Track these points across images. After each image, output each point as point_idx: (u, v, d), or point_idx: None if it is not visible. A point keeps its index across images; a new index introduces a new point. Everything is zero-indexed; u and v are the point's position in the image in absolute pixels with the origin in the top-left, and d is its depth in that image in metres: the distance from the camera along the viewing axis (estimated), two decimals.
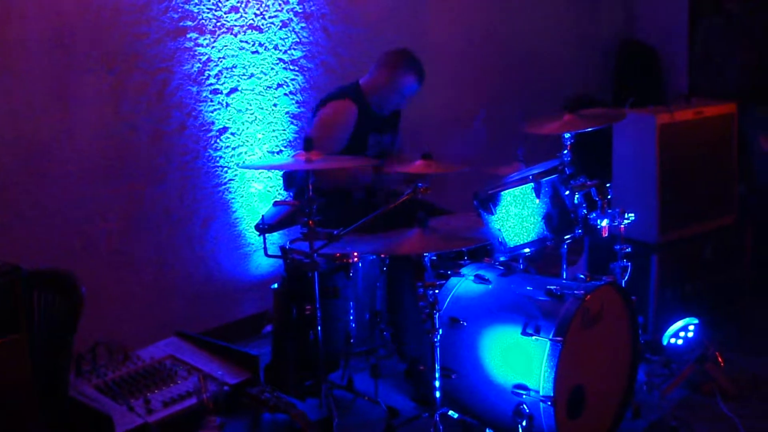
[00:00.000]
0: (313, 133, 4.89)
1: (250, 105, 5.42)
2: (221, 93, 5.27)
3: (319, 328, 4.12)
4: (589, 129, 4.48)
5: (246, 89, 5.38)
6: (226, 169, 5.34)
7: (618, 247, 4.45)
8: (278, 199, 5.26)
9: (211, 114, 5.23)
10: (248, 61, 5.37)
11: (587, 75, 7.76)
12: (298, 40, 5.60)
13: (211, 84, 5.21)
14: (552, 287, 3.92)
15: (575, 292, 3.85)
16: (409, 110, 5.36)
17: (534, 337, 3.77)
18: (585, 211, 4.36)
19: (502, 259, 4.28)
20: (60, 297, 3.40)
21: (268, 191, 5.53)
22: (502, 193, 4.22)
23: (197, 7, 5.09)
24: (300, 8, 5.58)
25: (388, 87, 5.02)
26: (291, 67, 5.59)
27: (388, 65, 5.04)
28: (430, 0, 6.43)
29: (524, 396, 3.76)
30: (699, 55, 7.05)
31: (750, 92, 6.52)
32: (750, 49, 6.74)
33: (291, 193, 5.05)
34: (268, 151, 5.53)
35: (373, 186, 4.97)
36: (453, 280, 4.19)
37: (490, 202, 4.21)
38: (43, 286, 3.37)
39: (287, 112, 5.60)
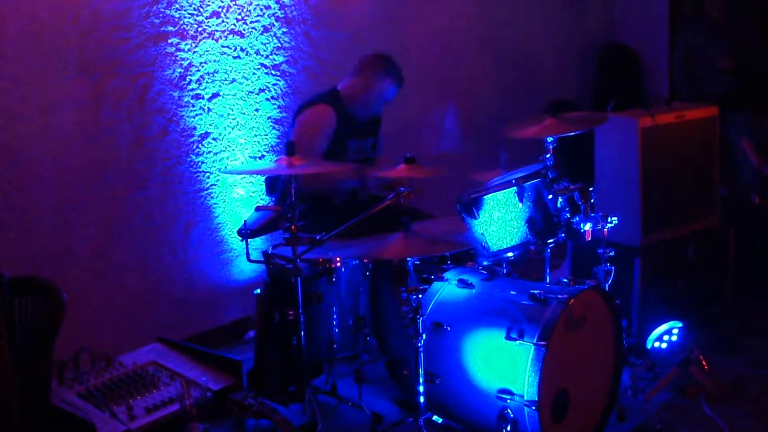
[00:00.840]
0: (294, 137, 4.88)
1: (232, 110, 5.40)
2: (203, 98, 5.25)
3: (302, 333, 4.10)
4: (571, 133, 4.48)
5: (228, 94, 5.36)
6: (208, 174, 5.32)
7: (601, 250, 4.45)
8: (260, 205, 5.23)
9: (192, 119, 5.21)
10: (230, 66, 5.35)
11: (568, 78, 7.78)
12: (279, 45, 5.59)
13: (192, 89, 5.19)
14: (536, 291, 3.92)
15: (559, 296, 3.85)
16: (389, 114, 5.35)
17: (518, 342, 3.77)
18: (568, 215, 4.36)
19: (485, 263, 4.27)
20: (41, 304, 3.38)
21: (251, 196, 5.52)
22: (485, 197, 4.22)
23: (178, 12, 5.07)
24: (281, 13, 5.57)
25: (367, 92, 5.00)
26: (273, 72, 5.58)
27: (366, 70, 5.02)
28: (411, 5, 6.43)
29: (508, 401, 3.75)
30: (680, 60, 7.06)
31: (730, 97, 6.55)
32: (730, 52, 6.76)
33: (273, 198, 5.03)
34: (250, 156, 5.51)
35: (358, 191, 4.95)
36: (436, 284, 4.18)
37: (473, 206, 4.21)
38: (23, 292, 3.35)
39: (269, 117, 5.59)
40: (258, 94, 5.52)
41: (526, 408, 3.70)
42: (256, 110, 5.52)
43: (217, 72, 5.29)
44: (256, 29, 5.45)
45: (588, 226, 4.33)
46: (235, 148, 5.44)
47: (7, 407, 3.19)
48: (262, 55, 5.51)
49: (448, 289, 4.16)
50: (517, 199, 4.25)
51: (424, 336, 3.82)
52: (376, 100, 5.02)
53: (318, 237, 4.00)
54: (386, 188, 4.86)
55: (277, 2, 5.55)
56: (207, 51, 5.23)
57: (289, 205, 4.00)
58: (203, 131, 5.27)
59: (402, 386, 4.60)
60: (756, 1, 7.20)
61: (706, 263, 5.39)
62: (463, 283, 4.12)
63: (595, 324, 4.02)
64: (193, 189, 5.27)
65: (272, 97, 5.59)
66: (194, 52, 5.17)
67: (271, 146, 5.60)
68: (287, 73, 5.66)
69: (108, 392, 3.67)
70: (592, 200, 4.36)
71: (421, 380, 3.87)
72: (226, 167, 5.38)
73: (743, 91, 6.74)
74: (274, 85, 5.60)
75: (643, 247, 5.06)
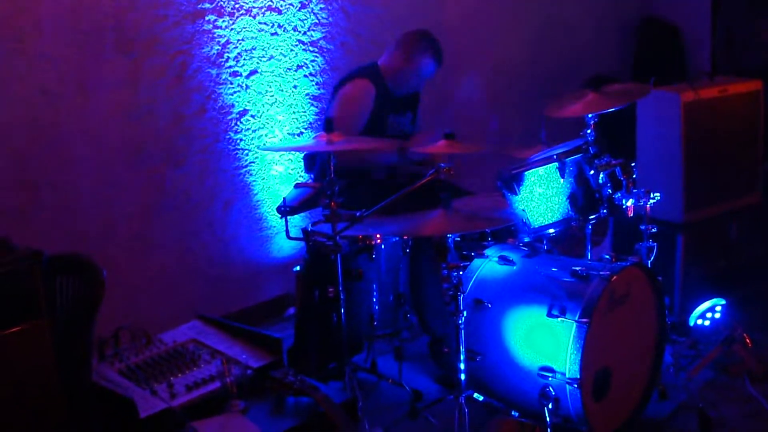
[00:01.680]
0: (333, 112, 4.86)
1: (270, 87, 5.38)
2: (241, 75, 5.23)
3: (342, 310, 4.09)
4: (613, 109, 4.42)
5: (266, 71, 5.34)
6: (246, 151, 5.31)
7: (643, 227, 4.40)
8: (299, 182, 5.23)
9: (230, 96, 5.20)
10: (267, 43, 5.33)
11: (607, 54, 7.69)
12: (317, 21, 5.56)
13: (230, 66, 5.18)
14: (577, 268, 3.88)
15: (601, 273, 3.81)
16: (428, 90, 5.32)
17: (560, 319, 3.73)
18: (610, 190, 4.31)
19: (526, 239, 4.24)
20: (81, 282, 3.38)
21: (290, 173, 5.51)
22: (525, 172, 4.18)
23: None
24: None
25: (406, 68, 4.98)
26: (310, 48, 5.55)
27: (406, 46, 4.99)
28: None
29: (550, 378, 3.72)
30: (721, 33, 6.96)
31: None
32: None
33: (312, 175, 5.02)
34: (288, 133, 5.50)
35: (397, 167, 4.92)
36: (477, 261, 4.15)
37: (514, 182, 4.17)
38: (64, 271, 3.35)
39: (307, 94, 5.57)
40: (296, 70, 5.50)
41: (567, 386, 3.68)
42: (294, 87, 5.50)
43: (254, 49, 5.27)
44: (293, 5, 5.42)
45: (630, 202, 4.27)
46: (274, 125, 5.42)
47: (48, 385, 3.21)
48: (300, 32, 5.49)
49: (488, 266, 4.13)
50: (558, 174, 4.21)
51: (465, 313, 3.80)
52: (415, 76, 4.99)
53: (358, 214, 3.98)
54: (424, 164, 4.83)
55: None
56: (244, 28, 5.21)
57: (328, 182, 3.98)
58: (241, 108, 5.26)
59: (443, 366, 4.58)
60: None
61: (750, 240, 5.33)
62: (504, 260, 4.09)
63: (637, 301, 3.98)
64: (231, 166, 5.27)
65: (310, 74, 5.56)
66: (231, 29, 5.15)
67: (310, 123, 5.58)
68: (325, 50, 5.63)
69: (148, 370, 3.67)
70: (634, 176, 4.30)
71: (462, 357, 3.84)
72: (264, 144, 5.38)
73: None
74: (312, 61, 5.57)
75: (686, 223, 5.01)
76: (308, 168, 5.05)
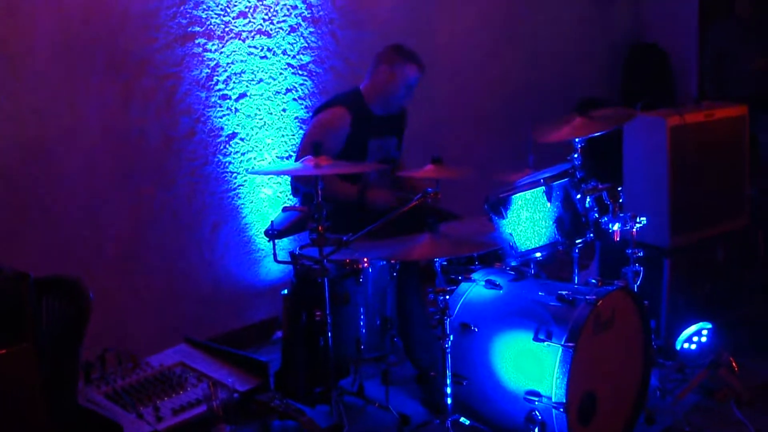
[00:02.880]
0: (303, 136, 4.89)
1: (259, 110, 5.40)
2: (230, 98, 5.25)
3: (329, 334, 4.09)
4: (600, 133, 4.44)
5: (255, 94, 5.36)
6: (235, 174, 5.32)
7: (630, 251, 4.42)
8: (287, 205, 5.24)
9: (220, 119, 5.22)
10: (257, 67, 5.36)
11: (596, 77, 7.74)
12: (306, 45, 5.59)
13: (219, 89, 5.20)
14: (563, 292, 3.90)
15: (587, 297, 3.82)
16: (415, 114, 5.33)
17: (546, 343, 3.74)
18: (596, 214, 4.33)
19: (513, 263, 4.25)
20: (68, 303, 3.38)
21: (278, 197, 5.52)
22: (513, 196, 4.20)
23: (206, 12, 5.08)
24: (308, 13, 5.57)
25: (393, 81, 4.94)
26: (300, 72, 5.58)
27: (388, 60, 4.97)
28: (438, 4, 6.41)
29: (536, 402, 3.73)
30: (709, 60, 7.01)
31: (761, 95, 6.49)
32: (761, 53, 6.71)
33: (300, 199, 5.03)
34: (277, 157, 5.51)
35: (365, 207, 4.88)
36: (464, 285, 4.16)
37: (501, 205, 4.19)
38: (50, 292, 3.36)
39: (296, 117, 5.59)
40: (285, 94, 5.52)
41: (553, 410, 3.68)
42: (283, 110, 5.52)
43: (244, 72, 5.30)
44: (283, 29, 5.45)
45: (616, 227, 4.30)
46: (263, 149, 5.44)
47: (33, 408, 3.20)
48: (289, 55, 5.51)
49: (475, 289, 4.14)
50: (545, 198, 4.23)
51: (451, 337, 3.80)
52: (403, 86, 4.94)
53: (345, 238, 3.99)
54: (400, 201, 4.78)
55: (304, 2, 5.54)
56: (234, 51, 5.23)
57: (315, 206, 3.99)
58: (230, 131, 5.27)
59: (429, 393, 4.58)
60: None
61: (736, 264, 5.34)
62: (490, 284, 4.10)
63: (623, 325, 3.99)
64: (220, 189, 5.28)
65: (299, 98, 5.58)
66: (221, 52, 5.18)
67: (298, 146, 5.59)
68: (314, 73, 5.66)
69: (135, 393, 3.67)
70: (620, 200, 4.33)
71: (448, 381, 3.85)
72: (253, 167, 5.39)
73: None
74: (301, 85, 5.59)
75: (672, 247, 5.02)
76: (296, 192, 5.05)
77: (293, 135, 5.57)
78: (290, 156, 5.55)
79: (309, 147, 4.34)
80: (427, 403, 4.58)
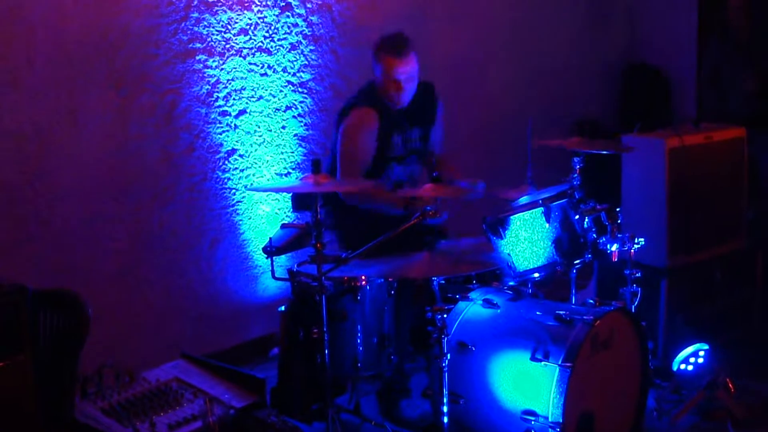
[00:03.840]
0: (340, 150, 4.81)
1: (259, 127, 5.41)
2: (230, 115, 5.26)
3: (326, 351, 4.08)
4: (598, 151, 4.47)
5: (254, 111, 5.38)
6: (234, 190, 5.33)
7: (627, 271, 4.43)
8: (286, 222, 5.24)
9: (219, 136, 5.23)
10: (257, 84, 5.37)
11: (594, 97, 7.74)
12: (306, 62, 5.60)
13: (219, 106, 5.21)
14: (561, 312, 3.90)
15: (584, 317, 3.82)
16: None
17: (543, 363, 3.74)
18: (595, 235, 4.34)
19: (511, 283, 4.25)
20: (65, 317, 3.38)
21: (276, 213, 5.52)
22: (511, 217, 4.20)
23: (206, 29, 5.09)
24: (309, 31, 5.58)
25: (382, 78, 4.84)
26: (300, 89, 5.59)
27: (374, 56, 4.88)
28: (438, 23, 6.42)
29: (533, 422, 3.72)
30: (707, 80, 7.03)
31: (758, 117, 6.50)
32: (757, 74, 6.73)
33: (299, 216, 5.02)
34: (276, 174, 5.52)
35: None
36: (461, 304, 4.16)
37: (500, 226, 4.19)
38: (48, 306, 3.36)
39: (295, 135, 5.60)
40: (285, 111, 5.53)
41: (550, 429, 3.67)
42: (283, 127, 5.53)
43: (244, 89, 5.31)
44: (283, 47, 5.47)
45: (614, 247, 4.30)
46: (262, 165, 5.44)
47: (29, 422, 3.20)
48: (290, 73, 5.52)
49: (473, 309, 4.14)
50: (543, 219, 4.23)
51: (448, 356, 3.80)
52: (390, 82, 4.82)
53: (343, 255, 3.99)
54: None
55: (304, 20, 5.56)
56: (234, 68, 5.25)
57: (314, 223, 3.99)
58: (230, 148, 5.28)
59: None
60: None
61: (734, 285, 5.35)
62: (488, 303, 4.10)
63: (620, 345, 3.99)
64: (219, 205, 5.28)
65: (299, 115, 5.60)
66: (222, 69, 5.19)
67: (297, 163, 5.60)
68: (314, 91, 5.67)
69: (131, 408, 3.66)
70: (618, 221, 4.34)
71: (445, 400, 3.84)
72: (252, 184, 5.39)
73: None
74: (301, 102, 5.61)
75: (670, 268, 5.03)
76: (295, 208, 5.04)
77: (292, 152, 5.58)
78: (289, 173, 5.56)
79: (348, 161, 4.35)
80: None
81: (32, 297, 3.26)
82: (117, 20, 4.73)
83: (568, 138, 4.57)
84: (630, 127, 5.03)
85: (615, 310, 3.95)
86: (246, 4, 5.26)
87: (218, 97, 5.20)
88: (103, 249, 4.83)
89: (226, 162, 5.28)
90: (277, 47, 5.44)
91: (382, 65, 4.81)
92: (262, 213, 5.48)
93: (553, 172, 4.72)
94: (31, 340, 3.24)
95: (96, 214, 4.77)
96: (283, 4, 5.44)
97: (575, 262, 4.35)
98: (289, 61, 5.51)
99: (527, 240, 4.22)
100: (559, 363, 3.69)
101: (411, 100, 4.92)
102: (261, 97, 5.40)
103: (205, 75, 5.13)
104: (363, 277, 4.18)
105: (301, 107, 5.61)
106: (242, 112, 5.32)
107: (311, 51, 5.62)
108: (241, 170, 5.35)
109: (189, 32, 5.02)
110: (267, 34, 5.38)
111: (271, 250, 4.27)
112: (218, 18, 5.14)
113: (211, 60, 5.14)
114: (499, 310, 4.08)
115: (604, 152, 4.53)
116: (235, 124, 5.29)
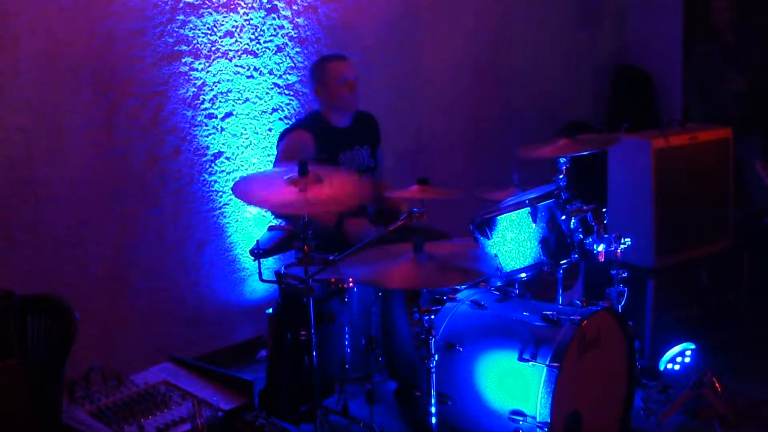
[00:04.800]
0: (275, 166, 4.88)
1: (245, 129, 5.41)
2: (216, 117, 5.26)
3: (314, 353, 4.08)
4: (584, 153, 4.48)
5: (241, 114, 5.37)
6: (220, 193, 5.32)
7: (614, 272, 4.44)
8: (273, 224, 5.24)
9: (205, 138, 5.22)
10: (243, 86, 5.37)
11: (581, 99, 7.76)
12: (293, 64, 5.60)
13: (206, 108, 5.21)
14: (548, 312, 3.91)
15: (572, 317, 3.84)
16: (402, 134, 5.32)
17: (530, 363, 3.76)
18: (581, 235, 4.36)
19: (498, 284, 4.26)
20: (53, 322, 3.38)
21: (263, 216, 5.51)
22: (498, 217, 4.22)
23: (192, 31, 5.09)
24: (295, 33, 5.58)
25: (330, 90, 4.91)
26: (286, 91, 5.59)
27: (313, 81, 4.98)
28: (425, 25, 6.42)
29: (521, 422, 3.74)
30: (693, 81, 7.05)
31: (744, 117, 6.54)
32: (743, 75, 6.75)
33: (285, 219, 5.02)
34: None
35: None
36: (449, 305, 4.17)
37: (487, 226, 4.20)
38: (36, 311, 3.35)
39: None
40: (271, 113, 5.53)
41: (538, 429, 3.69)
42: (269, 130, 5.53)
43: (230, 91, 5.31)
44: (269, 49, 5.46)
45: (601, 247, 4.33)
46: (248, 168, 5.44)
47: (21, 423, 3.19)
48: (276, 75, 5.52)
49: (460, 309, 4.15)
50: (530, 219, 4.24)
51: (436, 357, 3.80)
52: (341, 88, 4.89)
53: (331, 257, 3.99)
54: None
55: (290, 22, 5.56)
56: (220, 70, 5.24)
57: (301, 226, 3.99)
58: (216, 150, 5.28)
59: (412, 413, 4.58)
60: None
61: (720, 285, 5.36)
62: (475, 304, 4.11)
63: (607, 345, 4.01)
64: (205, 208, 5.28)
65: (285, 117, 5.59)
66: (208, 71, 5.19)
67: None
68: (300, 93, 5.66)
69: (119, 411, 3.65)
70: (605, 221, 4.36)
71: (433, 401, 3.85)
72: None
73: (757, 112, 6.72)
74: (288, 104, 5.60)
75: (656, 268, 5.04)
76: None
77: None
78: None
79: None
80: (410, 423, 4.58)
81: (19, 302, 3.25)
82: (102, 24, 4.72)
83: (555, 140, 4.58)
84: (618, 129, 5.04)
85: (602, 310, 3.97)
86: (232, 7, 5.25)
87: (204, 99, 5.19)
88: (89, 253, 4.82)
89: (213, 165, 5.27)
90: (264, 49, 5.43)
91: (328, 72, 4.93)
92: (249, 216, 5.48)
93: (540, 172, 4.73)
94: (20, 344, 3.23)
95: (82, 218, 4.76)
96: (269, 6, 5.43)
97: (562, 262, 4.37)
98: (275, 63, 5.51)
99: (514, 240, 4.24)
100: (547, 363, 3.71)
101: (352, 122, 5.03)
102: (247, 100, 5.40)
103: (191, 77, 5.12)
104: (350, 280, 4.18)
105: (288, 109, 5.61)
106: (229, 115, 5.31)
107: (297, 53, 5.62)
108: (228, 173, 5.34)
109: (175, 35, 5.02)
110: (253, 36, 5.37)
111: (258, 252, 4.28)
112: (204, 20, 5.13)
113: (197, 62, 5.13)
114: (486, 311, 4.10)
115: (593, 151, 4.53)
116: (221, 127, 5.29)
